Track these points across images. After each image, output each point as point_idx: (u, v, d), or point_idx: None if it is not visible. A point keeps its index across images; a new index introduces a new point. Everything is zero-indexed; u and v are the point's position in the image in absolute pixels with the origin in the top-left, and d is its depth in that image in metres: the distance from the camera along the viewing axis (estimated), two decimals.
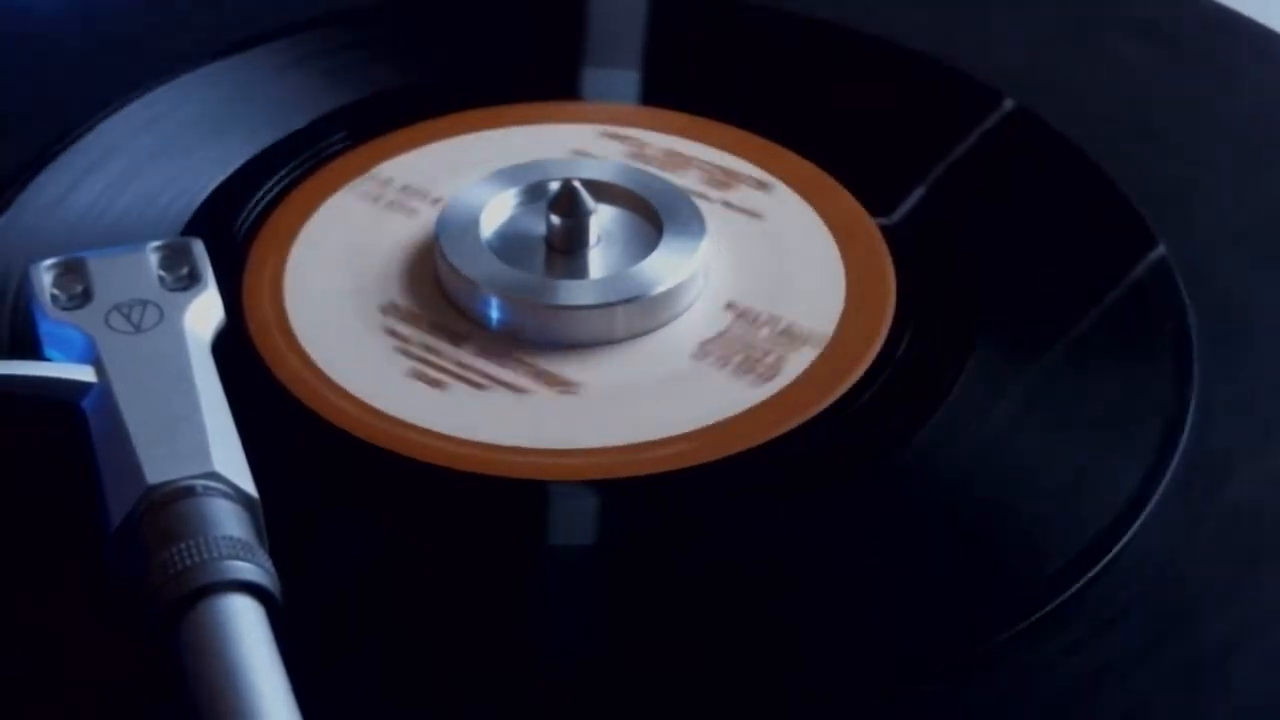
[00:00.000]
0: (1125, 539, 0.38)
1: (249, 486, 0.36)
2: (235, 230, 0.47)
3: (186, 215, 0.47)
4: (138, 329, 0.40)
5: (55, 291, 0.41)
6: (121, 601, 0.34)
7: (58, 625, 0.36)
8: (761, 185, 0.49)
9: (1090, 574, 0.37)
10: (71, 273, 0.41)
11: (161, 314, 0.40)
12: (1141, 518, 0.39)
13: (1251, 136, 0.52)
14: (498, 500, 0.39)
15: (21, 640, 0.35)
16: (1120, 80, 0.54)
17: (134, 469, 0.36)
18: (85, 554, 0.36)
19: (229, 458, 0.36)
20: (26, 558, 0.37)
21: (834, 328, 0.44)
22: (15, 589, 0.36)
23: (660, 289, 0.43)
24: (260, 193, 0.48)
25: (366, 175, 0.49)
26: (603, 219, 0.45)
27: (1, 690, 0.34)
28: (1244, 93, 0.54)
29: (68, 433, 0.38)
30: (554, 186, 0.45)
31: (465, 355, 0.43)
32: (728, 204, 0.48)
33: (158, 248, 0.43)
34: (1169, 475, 0.40)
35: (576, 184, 0.44)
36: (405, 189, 0.48)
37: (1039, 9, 0.58)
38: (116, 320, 0.40)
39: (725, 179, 0.49)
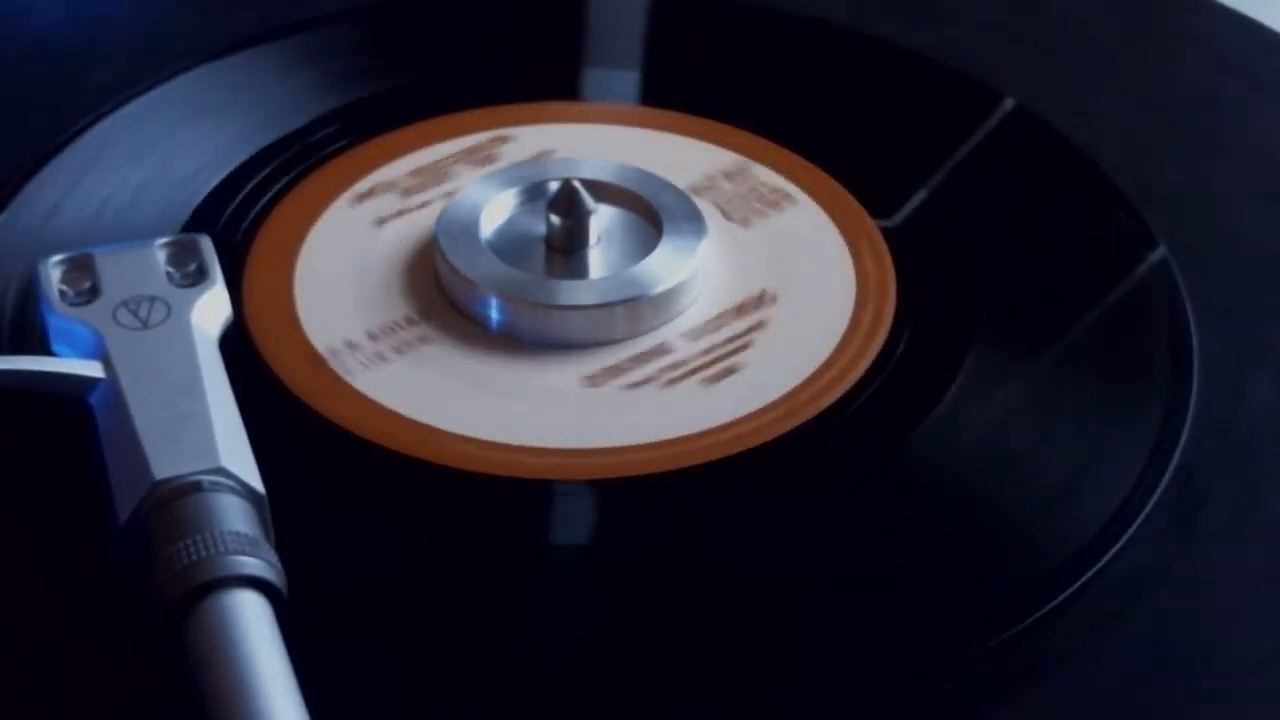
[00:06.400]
0: (1124, 539, 0.38)
1: (255, 482, 0.36)
2: (236, 229, 0.46)
3: (186, 214, 0.47)
4: (145, 325, 0.40)
5: (63, 287, 0.41)
6: (127, 597, 0.34)
7: (59, 624, 0.36)
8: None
9: (1089, 574, 0.37)
10: (79, 269, 0.41)
11: (169, 310, 0.40)
12: (1140, 518, 0.39)
13: (1252, 136, 0.52)
14: (500, 499, 0.39)
15: (21, 640, 0.35)
16: (1120, 80, 0.54)
17: (141, 464, 0.36)
18: (91, 550, 0.36)
19: (236, 453, 0.36)
20: (31, 554, 0.37)
21: (838, 328, 0.44)
22: (18, 587, 0.36)
23: (660, 289, 0.43)
24: (261, 192, 0.48)
25: (367, 175, 0.49)
26: (603, 219, 0.45)
27: (1, 690, 0.34)
28: (1244, 93, 0.54)
29: (75, 428, 0.38)
30: (554, 186, 0.45)
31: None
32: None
33: (165, 244, 0.43)
34: (1168, 476, 0.40)
35: (576, 184, 0.44)
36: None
37: (1039, 9, 0.59)
38: (124, 316, 0.40)
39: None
